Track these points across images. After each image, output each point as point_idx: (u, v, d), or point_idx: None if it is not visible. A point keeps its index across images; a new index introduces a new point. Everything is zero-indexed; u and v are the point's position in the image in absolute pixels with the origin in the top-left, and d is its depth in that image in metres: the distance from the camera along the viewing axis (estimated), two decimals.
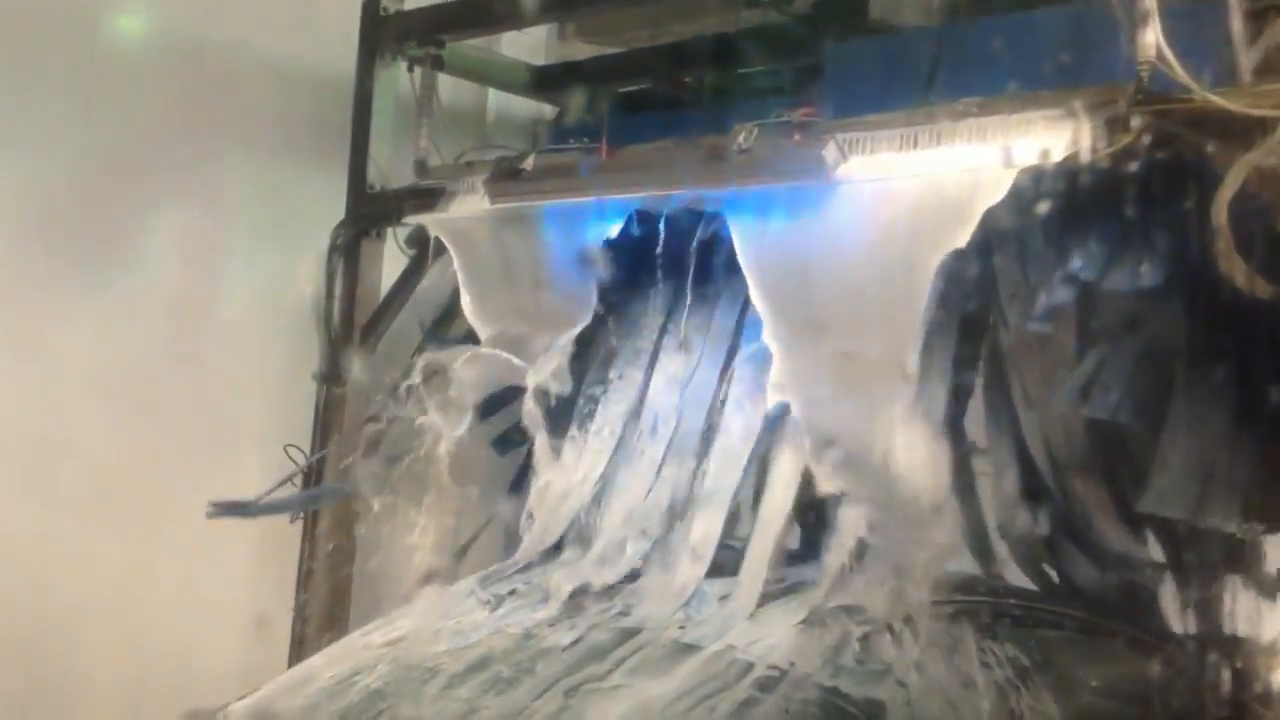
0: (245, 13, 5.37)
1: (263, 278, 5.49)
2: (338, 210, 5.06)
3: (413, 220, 4.67)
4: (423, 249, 4.85)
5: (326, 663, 3.47)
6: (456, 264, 4.41)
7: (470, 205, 4.38)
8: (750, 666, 2.88)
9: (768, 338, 3.44)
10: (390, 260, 5.09)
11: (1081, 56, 3.10)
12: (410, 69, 4.98)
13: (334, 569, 4.95)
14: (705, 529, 3.56)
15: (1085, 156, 2.78)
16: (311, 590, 4.97)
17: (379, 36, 5.02)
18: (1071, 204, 2.96)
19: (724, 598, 3.30)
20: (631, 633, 3.15)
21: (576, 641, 3.12)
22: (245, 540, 5.42)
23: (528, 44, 5.70)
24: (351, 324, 5.01)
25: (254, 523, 5.39)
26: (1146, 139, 2.69)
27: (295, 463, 5.05)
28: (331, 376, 5.06)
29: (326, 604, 4.92)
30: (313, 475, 5.03)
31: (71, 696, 4.97)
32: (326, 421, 5.06)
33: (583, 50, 5.49)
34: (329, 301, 5.04)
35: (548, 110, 5.82)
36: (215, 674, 4.84)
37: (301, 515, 5.06)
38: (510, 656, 3.14)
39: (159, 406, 5.19)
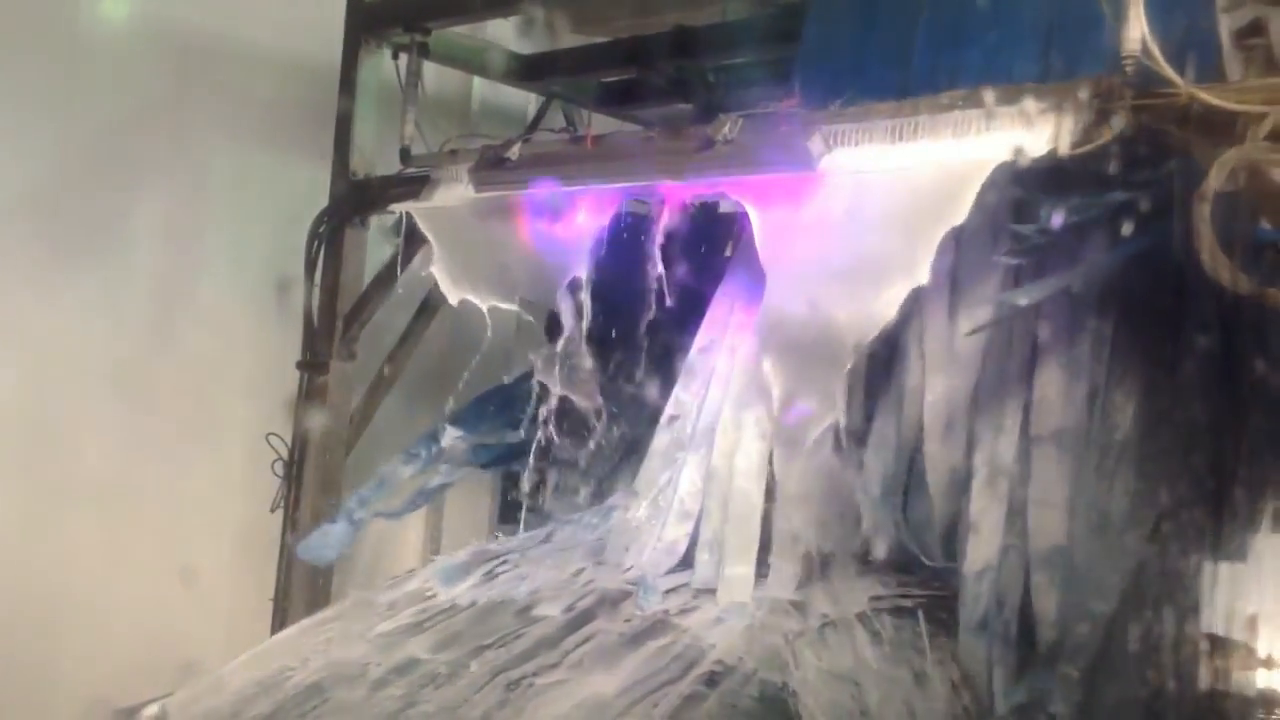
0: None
1: (246, 266, 5.47)
2: (321, 198, 5.04)
3: (397, 208, 4.65)
4: (407, 237, 4.83)
5: (260, 657, 3.40)
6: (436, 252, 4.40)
7: (455, 193, 4.37)
8: (697, 660, 2.82)
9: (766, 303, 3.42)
10: (374, 248, 5.07)
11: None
12: (395, 56, 4.95)
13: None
14: (691, 482, 3.49)
15: (1069, 150, 2.78)
16: (291, 579, 4.96)
17: (364, 23, 5.00)
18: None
19: (670, 591, 3.24)
20: (584, 620, 3.08)
21: (521, 635, 3.06)
22: (226, 528, 5.42)
23: (514, 32, 5.68)
24: (334, 312, 4.98)
25: (235, 511, 5.40)
26: (1131, 132, 2.69)
27: (276, 451, 5.04)
28: (314, 365, 5.03)
29: (306, 593, 4.90)
30: (294, 463, 5.02)
31: (50, 683, 4.95)
32: (309, 410, 5.04)
33: (569, 39, 5.46)
34: (311, 289, 5.02)
35: (534, 98, 5.81)
36: (196, 662, 4.82)
37: (282, 504, 5.05)
38: (455, 643, 3.09)
39: (141, 394, 5.17)
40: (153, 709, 3.29)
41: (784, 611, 3.00)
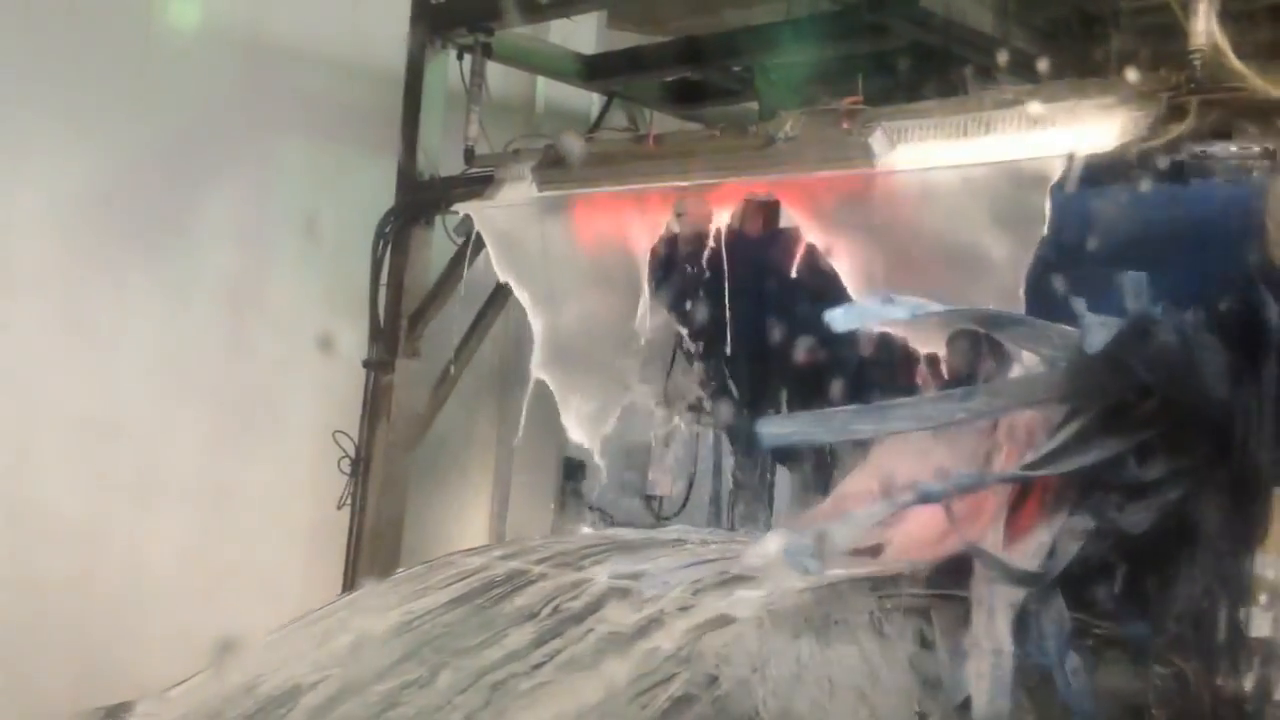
0: (297, 2, 5.42)
1: (313, 265, 5.52)
2: (388, 198, 5.09)
3: (461, 208, 4.69)
4: (471, 236, 4.87)
5: (247, 657, 3.32)
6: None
7: (518, 192, 4.40)
8: (691, 662, 2.64)
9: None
10: (439, 248, 5.11)
11: None
12: (460, 57, 5.00)
13: (381, 554, 4.98)
14: None
15: (1139, 145, 2.75)
16: (359, 575, 5.00)
17: (430, 24, 5.04)
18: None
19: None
20: (574, 620, 2.91)
21: (507, 635, 2.89)
22: (294, 525, 5.47)
23: (577, 33, 5.71)
24: (400, 311, 5.03)
25: (302, 508, 5.46)
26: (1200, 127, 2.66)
27: (343, 448, 5.09)
28: (380, 363, 5.08)
29: None
30: (361, 460, 5.07)
31: (121, 678, 5.02)
32: (375, 408, 5.08)
33: (632, 39, 5.49)
34: (377, 289, 5.07)
35: (596, 98, 5.84)
36: None
37: (348, 501, 5.10)
38: (440, 644, 2.94)
39: (210, 391, 5.24)
40: (143, 707, 3.27)
41: (792, 611, 2.83)
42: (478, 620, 3.01)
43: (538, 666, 2.70)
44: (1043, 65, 3.06)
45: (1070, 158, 2.83)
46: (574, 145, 4.12)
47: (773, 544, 3.19)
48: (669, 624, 2.77)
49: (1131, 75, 2.81)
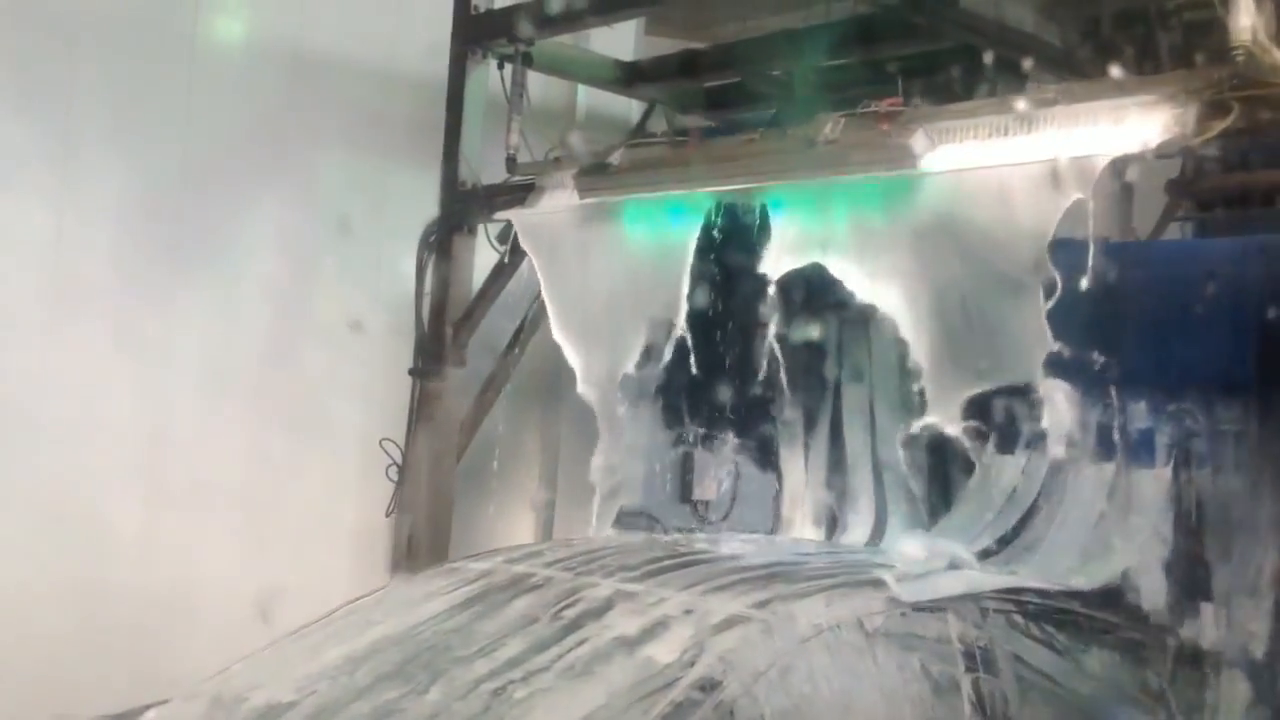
0: (340, 15, 5.48)
1: (358, 274, 5.57)
2: (431, 206, 5.13)
3: (503, 216, 4.72)
4: (514, 244, 4.90)
5: (250, 665, 3.28)
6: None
7: (560, 200, 4.43)
8: (693, 665, 2.59)
9: None
10: (483, 255, 5.14)
11: None
12: (500, 66, 5.03)
13: (428, 561, 5.00)
14: None
15: (1181, 143, 2.74)
16: None
17: (471, 35, 5.08)
18: None
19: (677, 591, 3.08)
20: (575, 626, 2.88)
21: (506, 643, 2.86)
22: (340, 532, 5.51)
23: (616, 40, 5.73)
24: (444, 319, 5.06)
25: (349, 516, 5.51)
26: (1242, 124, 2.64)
27: (390, 456, 5.13)
28: (426, 371, 5.12)
29: None
30: (408, 469, 5.10)
31: (173, 679, 5.05)
32: (421, 416, 5.11)
33: (671, 45, 5.50)
34: (422, 297, 5.11)
35: (637, 105, 5.86)
36: None
37: (396, 509, 5.13)
38: (441, 651, 2.92)
39: (257, 400, 5.29)
40: (150, 715, 3.27)
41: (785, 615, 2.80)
42: (479, 626, 2.99)
43: (539, 672, 2.68)
44: (1083, 64, 3.03)
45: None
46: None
47: (928, 544, 3.29)
48: (673, 628, 2.74)
49: (1173, 72, 2.79)
